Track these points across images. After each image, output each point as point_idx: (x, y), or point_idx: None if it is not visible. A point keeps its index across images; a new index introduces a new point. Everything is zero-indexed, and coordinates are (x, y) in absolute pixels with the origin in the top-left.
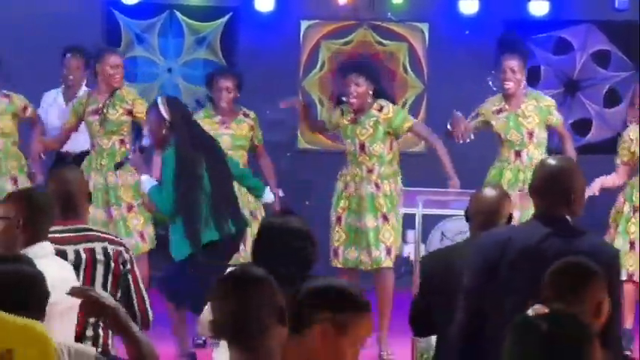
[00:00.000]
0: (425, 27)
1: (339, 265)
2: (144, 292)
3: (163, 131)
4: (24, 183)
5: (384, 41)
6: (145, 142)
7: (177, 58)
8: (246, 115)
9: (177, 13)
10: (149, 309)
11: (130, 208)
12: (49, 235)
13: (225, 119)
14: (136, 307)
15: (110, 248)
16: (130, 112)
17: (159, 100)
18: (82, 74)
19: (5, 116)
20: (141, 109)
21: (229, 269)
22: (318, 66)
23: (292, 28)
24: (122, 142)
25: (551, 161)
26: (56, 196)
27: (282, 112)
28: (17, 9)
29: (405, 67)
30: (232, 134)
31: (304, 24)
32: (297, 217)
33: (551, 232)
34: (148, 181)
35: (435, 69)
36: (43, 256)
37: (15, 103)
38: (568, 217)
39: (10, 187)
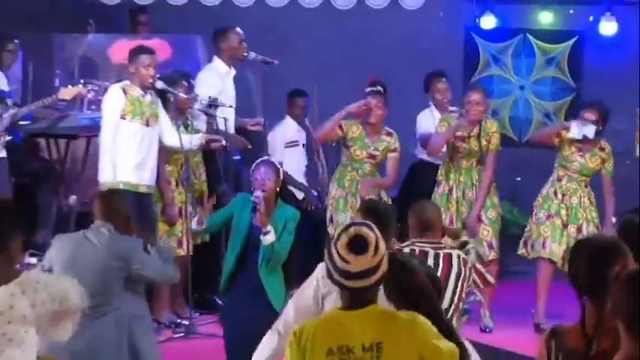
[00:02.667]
0: None
1: None
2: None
3: None
4: None
5: None
6: None
7: (529, 77)
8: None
9: (530, 37)
10: None
11: None
12: (414, 240)
13: (583, 147)
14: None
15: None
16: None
17: None
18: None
19: None
20: (494, 141)
21: None
22: None
23: (634, 51)
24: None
25: None
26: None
27: (622, 122)
28: (400, 30)
29: None
30: (583, 164)
31: None
32: None
33: None
34: None
35: None
36: None
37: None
38: None
39: None
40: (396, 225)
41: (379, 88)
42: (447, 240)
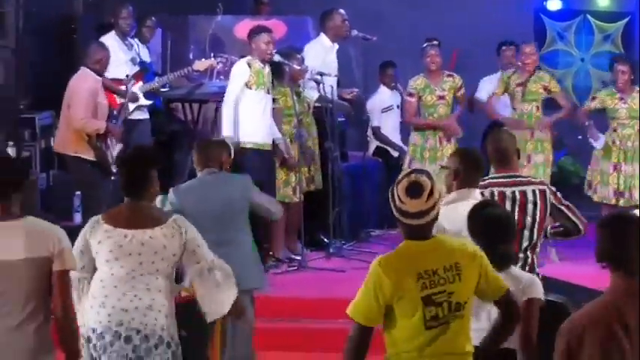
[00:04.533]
0: None
1: None
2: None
3: None
4: None
5: None
6: None
7: (588, 51)
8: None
9: (589, 17)
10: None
11: None
12: (491, 181)
13: (623, 95)
14: (572, 218)
15: (536, 189)
16: (545, 88)
17: None
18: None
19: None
20: (554, 85)
21: None
22: None
23: None
24: (537, 108)
25: None
26: (493, 151)
27: None
28: (472, 13)
29: None
30: (628, 107)
31: None
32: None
33: None
34: None
35: None
36: (466, 199)
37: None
38: None
39: None
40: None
41: (434, 42)
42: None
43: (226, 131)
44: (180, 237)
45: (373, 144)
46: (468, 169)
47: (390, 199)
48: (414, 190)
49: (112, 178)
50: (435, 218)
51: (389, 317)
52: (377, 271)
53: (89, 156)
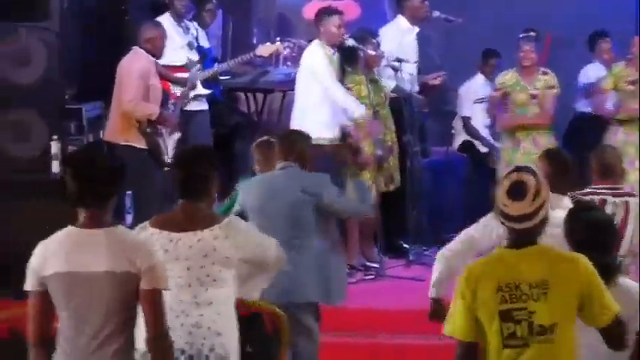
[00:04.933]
0: None
1: None
2: None
3: None
4: None
5: None
6: None
7: None
8: None
9: None
10: None
11: None
12: (591, 190)
13: None
14: None
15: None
16: None
17: None
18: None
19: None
20: None
21: None
22: None
23: None
24: None
25: None
26: (598, 167)
27: None
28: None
29: None
30: None
31: None
32: None
33: None
34: None
35: None
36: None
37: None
38: None
39: None
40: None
41: (531, 33)
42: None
43: (356, 112)
44: (234, 238)
45: (460, 138)
46: (556, 174)
47: (495, 202)
48: (517, 191)
49: (165, 169)
50: (544, 221)
51: (483, 331)
52: (460, 279)
53: (140, 144)
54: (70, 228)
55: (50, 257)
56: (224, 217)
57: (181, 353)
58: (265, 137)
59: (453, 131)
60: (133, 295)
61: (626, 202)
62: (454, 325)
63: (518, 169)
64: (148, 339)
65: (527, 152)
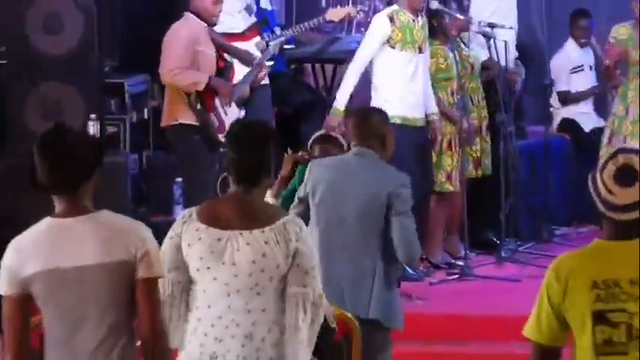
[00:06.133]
0: None
1: None
2: None
3: None
4: None
5: None
6: None
7: None
8: None
9: None
10: None
11: None
12: None
13: None
14: None
15: None
16: None
17: None
18: None
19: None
20: None
21: None
22: None
23: None
24: None
25: None
26: None
27: None
28: None
29: None
30: None
31: None
32: None
33: None
34: None
35: None
36: None
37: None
38: None
39: None
40: None
41: None
42: None
43: (338, 101)
44: (286, 245)
45: (559, 115)
46: None
47: (592, 189)
48: (626, 175)
49: (222, 149)
50: None
51: (572, 335)
52: (548, 274)
53: (191, 120)
54: (48, 219)
55: (30, 254)
56: (280, 216)
57: None
58: (323, 131)
59: (551, 108)
60: (130, 286)
61: None
62: (533, 324)
63: (621, 150)
64: (144, 338)
65: (636, 121)
